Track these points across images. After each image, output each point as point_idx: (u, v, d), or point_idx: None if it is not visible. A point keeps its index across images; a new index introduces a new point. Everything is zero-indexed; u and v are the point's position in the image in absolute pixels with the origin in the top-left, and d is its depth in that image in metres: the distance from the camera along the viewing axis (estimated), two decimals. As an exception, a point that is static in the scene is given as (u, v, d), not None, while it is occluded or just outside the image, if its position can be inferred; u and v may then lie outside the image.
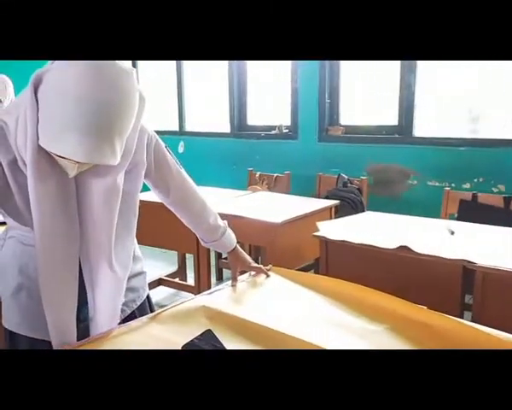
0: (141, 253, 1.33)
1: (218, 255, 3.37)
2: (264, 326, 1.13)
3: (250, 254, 3.24)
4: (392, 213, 2.36)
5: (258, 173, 3.43)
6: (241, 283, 1.44)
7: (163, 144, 1.26)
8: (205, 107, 4.42)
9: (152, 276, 3.27)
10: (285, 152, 3.75)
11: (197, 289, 2.73)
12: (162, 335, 1.12)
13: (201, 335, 1.06)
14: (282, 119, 3.83)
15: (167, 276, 3.27)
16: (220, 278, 3.46)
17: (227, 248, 1.44)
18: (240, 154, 4.00)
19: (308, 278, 1.48)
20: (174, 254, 3.44)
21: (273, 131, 3.86)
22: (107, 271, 1.12)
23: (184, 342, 1.05)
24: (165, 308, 1.26)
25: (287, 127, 3.80)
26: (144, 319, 1.21)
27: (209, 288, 2.70)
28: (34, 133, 0.93)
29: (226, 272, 3.50)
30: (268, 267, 1.51)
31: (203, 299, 1.30)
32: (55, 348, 1.07)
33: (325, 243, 1.94)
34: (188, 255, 3.29)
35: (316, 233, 1.94)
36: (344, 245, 1.87)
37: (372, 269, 1.83)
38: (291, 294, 1.37)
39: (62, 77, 0.89)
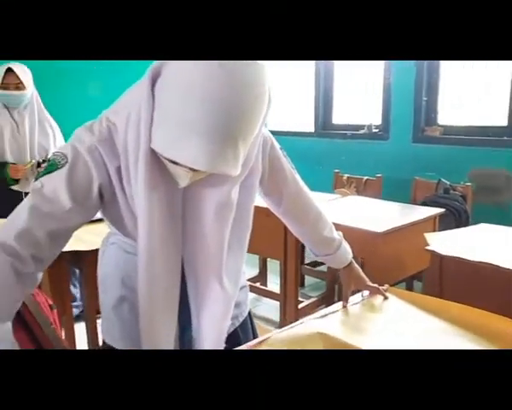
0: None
1: (300, 261, 3.21)
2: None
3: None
4: (506, 226, 2.07)
5: (346, 176, 3.22)
6: (354, 305, 1.26)
7: (278, 146, 1.11)
8: (287, 105, 4.27)
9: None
10: (374, 153, 3.50)
11: (283, 296, 2.59)
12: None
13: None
14: (372, 117, 3.59)
15: (248, 280, 3.16)
16: (302, 285, 3.29)
17: (341, 263, 1.26)
18: (324, 154, 3.80)
19: (435, 303, 1.27)
20: (254, 258, 3.32)
21: (361, 131, 3.63)
22: (217, 288, 0.99)
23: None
24: (273, 333, 1.11)
25: (377, 127, 3.56)
26: (252, 343, 1.07)
27: (296, 297, 2.56)
28: (148, 135, 0.81)
29: (308, 279, 3.33)
30: (385, 288, 1.32)
31: (315, 324, 1.14)
32: None
33: (439, 258, 1.71)
34: (269, 259, 3.16)
35: (428, 247, 1.73)
36: (460, 262, 1.65)
37: (492, 290, 1.60)
38: (416, 322, 1.17)
39: (187, 72, 0.75)
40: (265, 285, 3.19)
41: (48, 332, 1.22)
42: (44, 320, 1.22)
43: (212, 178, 0.88)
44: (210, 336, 1.02)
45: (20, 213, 0.87)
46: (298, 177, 1.16)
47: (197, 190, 0.92)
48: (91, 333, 2.06)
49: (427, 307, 1.23)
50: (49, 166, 0.89)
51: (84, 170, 0.88)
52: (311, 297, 2.95)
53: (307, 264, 3.21)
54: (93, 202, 0.90)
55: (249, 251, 3.15)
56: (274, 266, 3.18)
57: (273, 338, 1.08)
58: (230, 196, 0.94)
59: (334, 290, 2.80)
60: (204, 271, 0.98)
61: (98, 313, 2.07)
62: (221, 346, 1.04)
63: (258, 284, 3.18)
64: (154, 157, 0.84)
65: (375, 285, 1.31)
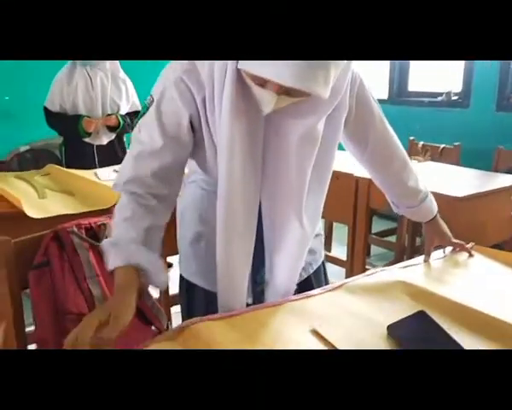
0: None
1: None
2: (483, 313, 0.89)
3: (407, 231, 2.94)
4: None
5: (421, 143, 3.06)
6: (437, 260, 1.20)
7: (367, 86, 1.05)
8: (360, 70, 4.11)
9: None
10: (452, 121, 3.30)
11: (349, 264, 2.53)
12: (355, 307, 0.94)
13: (413, 315, 0.86)
14: (451, 84, 3.37)
15: (312, 246, 3.12)
16: (368, 254, 3.21)
17: (426, 217, 1.19)
18: (398, 122, 3.61)
19: None
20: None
21: (439, 98, 3.42)
22: (296, 226, 0.97)
23: (389, 321, 0.86)
24: (352, 279, 1.08)
25: (456, 94, 3.34)
26: (328, 287, 1.04)
27: (363, 265, 2.49)
28: None
29: (375, 249, 3.25)
30: (470, 245, 1.24)
31: (398, 273, 1.09)
32: (220, 309, 0.96)
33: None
34: (336, 224, 3.09)
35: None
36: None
37: None
38: (504, 280, 1.09)
39: None
40: (329, 251, 3.14)
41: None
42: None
43: (299, 108, 0.84)
44: (283, 277, 1.01)
45: (126, 161, 0.93)
46: (386, 121, 1.10)
47: (280, 123, 0.89)
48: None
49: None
50: (141, 109, 0.94)
51: (172, 104, 0.88)
52: (376, 267, 2.87)
53: (375, 233, 3.12)
54: (185, 136, 0.91)
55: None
56: (338, 233, 3.12)
57: (352, 284, 1.04)
58: (316, 128, 0.90)
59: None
60: (283, 207, 0.96)
61: (170, 265, 2.14)
62: (293, 289, 1.02)
63: (323, 251, 3.14)
64: (240, 83, 0.82)
65: (461, 242, 1.23)
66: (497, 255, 1.21)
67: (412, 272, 1.11)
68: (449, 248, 1.23)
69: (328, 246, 3.19)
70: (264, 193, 0.95)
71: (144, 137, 0.91)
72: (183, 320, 1.06)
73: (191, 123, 0.90)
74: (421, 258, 1.20)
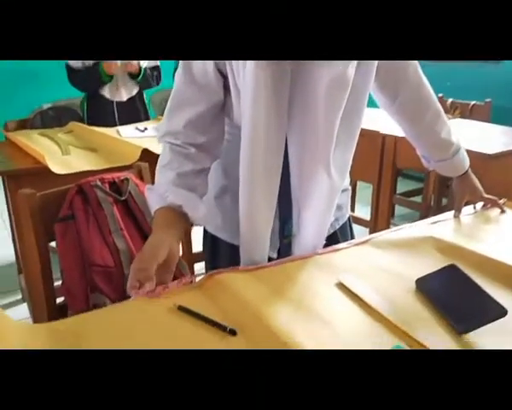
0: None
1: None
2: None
3: (433, 191, 2.88)
4: None
5: (450, 100, 2.95)
6: (467, 216, 1.16)
7: None
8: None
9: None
10: (483, 78, 3.16)
11: (373, 224, 2.50)
12: (383, 261, 0.92)
13: (443, 269, 0.83)
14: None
15: (335, 206, 3.09)
16: (392, 215, 3.16)
17: (457, 171, 1.15)
18: (428, 79, 3.50)
19: None
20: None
21: (470, 53, 3.27)
22: (324, 177, 0.93)
23: (418, 275, 0.83)
24: (379, 234, 1.05)
25: (489, 48, 3.18)
26: (354, 241, 1.02)
27: (388, 226, 2.45)
28: None
29: (399, 210, 3.19)
30: (502, 201, 1.19)
31: (427, 229, 1.06)
32: (242, 263, 0.94)
33: None
34: (360, 184, 3.04)
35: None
36: None
37: None
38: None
39: None
40: (353, 211, 3.11)
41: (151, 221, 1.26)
42: (147, 209, 1.26)
43: None
44: (311, 231, 0.98)
45: (164, 116, 0.97)
46: (419, 69, 1.04)
47: (308, 66, 0.84)
48: (186, 242, 2.14)
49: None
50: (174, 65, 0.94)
51: None
52: (401, 228, 2.82)
53: (400, 194, 3.06)
54: (214, 81, 0.90)
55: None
56: (362, 193, 3.08)
57: (379, 239, 1.01)
58: (346, 73, 0.86)
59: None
60: (310, 158, 0.92)
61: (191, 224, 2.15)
62: (321, 243, 1.00)
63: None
64: None
65: (493, 197, 1.18)
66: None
67: (442, 227, 1.07)
68: (480, 204, 1.19)
69: (351, 206, 3.15)
70: (290, 142, 0.91)
71: (176, 89, 0.94)
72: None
73: (219, 70, 0.89)
74: (450, 214, 1.16)
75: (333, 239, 1.06)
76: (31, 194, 1.12)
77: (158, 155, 0.98)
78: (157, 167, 0.95)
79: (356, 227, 2.74)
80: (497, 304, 0.70)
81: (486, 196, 1.18)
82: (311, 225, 0.98)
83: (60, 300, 1.22)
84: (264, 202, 0.93)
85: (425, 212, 2.68)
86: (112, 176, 1.23)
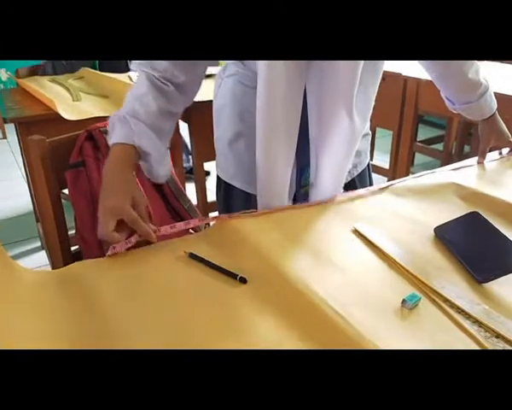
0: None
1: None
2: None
3: (456, 138, 2.78)
4: None
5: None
6: (492, 162, 1.10)
7: None
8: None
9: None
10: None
11: (392, 172, 2.43)
12: (401, 209, 0.88)
13: (464, 216, 0.79)
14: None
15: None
16: (411, 164, 3.08)
17: (483, 114, 1.08)
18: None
19: None
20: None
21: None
22: (345, 120, 0.88)
23: (438, 223, 0.80)
24: (398, 181, 1.01)
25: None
26: (373, 188, 0.98)
27: (407, 174, 2.39)
28: None
29: (419, 158, 3.11)
30: (530, 147, 1.13)
31: (449, 175, 1.01)
32: (259, 207, 0.92)
33: None
34: (379, 131, 2.95)
35: None
36: None
37: None
38: None
39: None
40: (371, 159, 3.04)
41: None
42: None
43: None
44: (329, 177, 0.94)
45: None
46: None
47: None
48: (200, 190, 2.12)
49: None
50: None
51: None
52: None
53: (420, 141, 2.97)
54: None
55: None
56: (381, 140, 3.00)
57: (398, 185, 0.97)
58: None
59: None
60: (331, 99, 0.87)
61: (206, 174, 2.12)
62: (339, 189, 0.97)
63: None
64: None
65: None
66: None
67: (464, 173, 1.02)
68: (506, 150, 1.13)
69: (370, 154, 3.08)
70: (310, 83, 0.86)
71: None
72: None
73: None
74: (473, 160, 1.11)
75: (351, 187, 1.03)
76: (40, 140, 1.09)
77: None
78: (130, 94, 0.87)
79: (375, 176, 2.70)
80: (521, 253, 0.67)
81: None
82: (330, 172, 0.94)
83: (76, 247, 1.23)
84: (283, 148, 0.89)
85: (446, 160, 2.61)
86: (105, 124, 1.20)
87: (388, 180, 2.50)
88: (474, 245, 0.73)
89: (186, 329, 0.58)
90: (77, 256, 1.19)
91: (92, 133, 1.14)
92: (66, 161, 1.13)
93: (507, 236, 0.71)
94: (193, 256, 0.71)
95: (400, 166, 2.35)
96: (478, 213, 0.78)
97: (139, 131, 0.83)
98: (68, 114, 1.58)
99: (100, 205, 0.78)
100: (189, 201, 1.31)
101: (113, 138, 0.84)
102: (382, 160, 2.85)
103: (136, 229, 0.75)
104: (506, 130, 1.11)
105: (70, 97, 1.80)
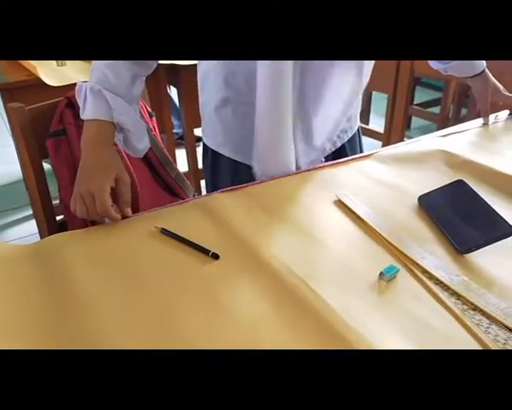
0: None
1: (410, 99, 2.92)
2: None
3: (453, 101, 2.73)
4: None
5: None
6: (483, 127, 1.07)
7: None
8: None
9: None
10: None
11: (386, 137, 2.40)
12: (386, 177, 0.86)
13: (449, 185, 0.77)
14: None
15: (349, 118, 2.98)
16: (408, 127, 3.04)
17: (472, 70, 1.05)
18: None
19: None
20: (358, 95, 3.08)
21: None
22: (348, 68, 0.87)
23: (423, 192, 0.78)
24: (385, 148, 0.99)
25: None
26: (358, 155, 0.95)
27: (402, 139, 2.35)
28: None
29: (416, 122, 3.06)
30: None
31: (438, 142, 0.99)
32: (259, 176, 0.90)
33: None
34: (376, 95, 2.90)
35: None
36: None
37: None
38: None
39: None
40: (367, 124, 2.99)
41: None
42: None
43: None
44: (321, 134, 0.93)
45: None
46: None
47: None
48: (191, 157, 2.09)
49: None
50: None
51: None
52: (417, 140, 2.72)
53: (417, 104, 2.92)
54: None
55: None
56: (377, 105, 2.94)
57: (384, 153, 0.95)
58: None
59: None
60: None
61: (198, 140, 2.09)
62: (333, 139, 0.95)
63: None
64: None
65: None
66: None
67: (454, 140, 1.00)
68: (504, 114, 1.10)
69: (365, 119, 3.03)
70: None
71: None
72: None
73: None
74: (465, 125, 1.08)
75: (341, 153, 1.01)
76: (19, 108, 1.06)
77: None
78: (96, 62, 0.81)
79: (369, 140, 2.68)
80: (504, 222, 0.66)
81: (510, 94, 1.10)
82: (322, 126, 0.93)
83: (62, 217, 1.21)
84: (289, 114, 0.86)
85: (442, 123, 2.56)
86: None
87: (382, 145, 2.47)
88: (457, 215, 0.71)
89: (157, 306, 0.57)
90: (63, 226, 1.18)
91: (72, 100, 1.10)
92: (47, 128, 1.10)
93: (490, 205, 0.70)
94: (165, 232, 0.69)
95: (395, 131, 2.31)
96: (463, 182, 0.77)
97: (117, 107, 0.79)
98: (50, 79, 1.53)
99: (77, 186, 0.75)
100: (177, 169, 1.29)
101: (88, 113, 0.79)
102: (378, 124, 2.80)
103: (106, 217, 0.73)
104: (499, 85, 1.08)
105: (54, 62, 1.74)
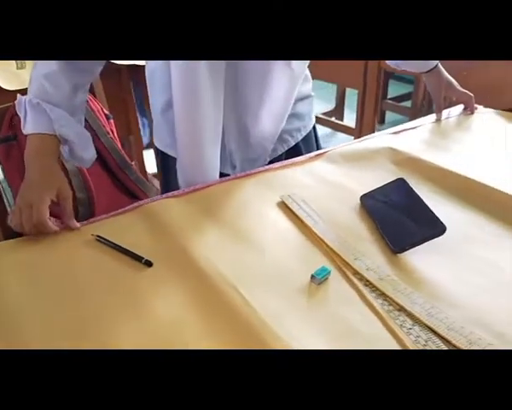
0: (308, 73, 1.04)
1: (383, 94, 2.93)
2: (470, 179, 0.81)
3: (424, 93, 2.74)
4: None
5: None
6: (434, 123, 1.08)
7: None
8: None
9: (307, 112, 3.02)
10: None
11: (358, 131, 2.41)
12: (334, 177, 0.86)
13: (390, 184, 0.78)
14: None
15: (323, 114, 2.99)
16: (382, 122, 3.06)
17: (425, 66, 1.06)
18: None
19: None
20: (332, 90, 3.09)
21: None
22: (282, 66, 0.85)
23: (364, 191, 0.78)
24: (338, 146, 0.99)
25: None
26: (311, 155, 0.95)
27: (372, 132, 2.36)
28: None
29: (390, 116, 3.08)
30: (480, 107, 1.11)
31: (388, 139, 0.99)
32: (180, 185, 0.88)
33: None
34: (349, 92, 2.91)
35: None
36: None
37: None
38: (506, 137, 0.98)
39: None
40: (342, 120, 3.00)
41: (104, 141, 1.20)
42: (99, 128, 1.19)
43: None
44: (268, 134, 0.93)
45: None
46: None
47: None
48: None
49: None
50: None
51: None
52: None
53: (390, 98, 2.93)
54: None
55: (325, 79, 2.88)
56: (352, 101, 2.95)
57: (334, 152, 0.95)
58: None
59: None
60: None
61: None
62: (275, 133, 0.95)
63: (333, 119, 3.00)
64: None
65: (468, 92, 1.10)
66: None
67: (406, 137, 1.00)
68: (458, 109, 1.11)
69: (339, 114, 3.04)
70: None
71: None
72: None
73: None
74: (421, 120, 1.10)
75: (296, 152, 1.01)
76: (-34, 113, 1.05)
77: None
78: (36, 72, 0.79)
79: (344, 136, 2.67)
80: (437, 221, 0.66)
81: (462, 89, 1.11)
82: (268, 125, 0.92)
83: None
84: (211, 121, 0.84)
85: (413, 117, 2.57)
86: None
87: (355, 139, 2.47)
88: (394, 214, 0.72)
89: (83, 315, 0.56)
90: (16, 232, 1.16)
91: (22, 105, 1.09)
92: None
93: (432, 202, 0.70)
94: (100, 239, 0.68)
95: (366, 126, 2.32)
96: (403, 180, 0.77)
97: (58, 119, 0.77)
98: (8, 83, 1.50)
99: (17, 200, 0.74)
100: (136, 172, 1.28)
101: (29, 128, 0.78)
102: (352, 119, 2.81)
103: (42, 230, 0.71)
104: (453, 80, 1.09)
105: (15, 64, 1.71)
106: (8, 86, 1.50)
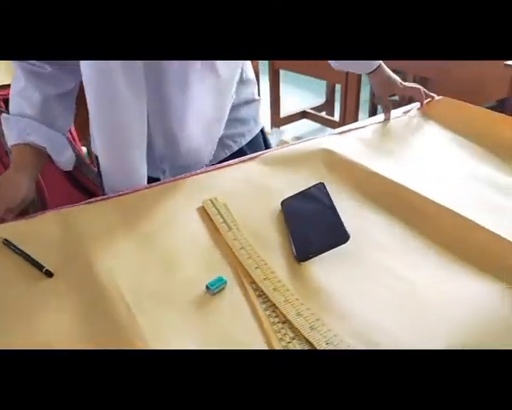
0: (252, 77, 1.03)
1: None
2: (400, 184, 0.78)
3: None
4: None
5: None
6: (382, 123, 1.07)
7: None
8: None
9: (295, 107, 3.00)
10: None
11: (342, 125, 2.38)
12: (263, 180, 0.85)
13: (310, 188, 0.77)
14: None
15: (313, 109, 2.96)
16: (374, 115, 3.02)
17: (368, 66, 1.04)
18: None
19: (487, 117, 1.01)
20: (323, 85, 3.06)
21: None
22: (201, 68, 0.83)
23: (289, 194, 0.78)
24: (275, 148, 0.98)
25: None
26: (245, 158, 0.94)
27: (355, 125, 2.33)
28: None
29: (380, 109, 3.04)
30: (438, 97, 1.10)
31: (326, 140, 0.98)
32: (106, 191, 0.88)
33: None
34: (339, 86, 2.88)
35: (509, 62, 1.39)
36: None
37: None
38: (451, 141, 0.96)
39: None
40: (332, 115, 2.98)
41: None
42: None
43: None
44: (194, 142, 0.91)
45: None
46: None
47: None
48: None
49: (477, 122, 0.99)
50: None
51: None
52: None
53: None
54: None
55: (312, 74, 2.87)
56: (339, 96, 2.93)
57: (268, 154, 0.94)
58: None
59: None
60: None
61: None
62: (208, 151, 0.94)
63: (323, 114, 2.98)
64: None
65: (417, 85, 1.08)
66: (460, 109, 1.06)
67: (348, 138, 0.99)
68: (415, 107, 1.09)
69: (330, 110, 3.02)
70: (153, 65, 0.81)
71: None
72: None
73: None
74: (369, 120, 1.08)
75: (240, 157, 1.00)
76: None
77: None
78: (12, 91, 0.87)
79: (331, 131, 2.65)
80: (342, 229, 0.65)
81: (409, 84, 1.10)
82: (195, 136, 0.91)
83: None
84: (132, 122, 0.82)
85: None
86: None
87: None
88: (306, 221, 0.71)
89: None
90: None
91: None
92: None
93: (337, 211, 0.69)
94: (7, 243, 0.68)
95: (348, 119, 2.30)
96: (323, 185, 0.76)
97: (23, 128, 0.83)
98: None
99: None
100: (94, 170, 1.29)
101: (8, 141, 0.85)
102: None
103: None
104: (396, 77, 1.07)
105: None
106: None
